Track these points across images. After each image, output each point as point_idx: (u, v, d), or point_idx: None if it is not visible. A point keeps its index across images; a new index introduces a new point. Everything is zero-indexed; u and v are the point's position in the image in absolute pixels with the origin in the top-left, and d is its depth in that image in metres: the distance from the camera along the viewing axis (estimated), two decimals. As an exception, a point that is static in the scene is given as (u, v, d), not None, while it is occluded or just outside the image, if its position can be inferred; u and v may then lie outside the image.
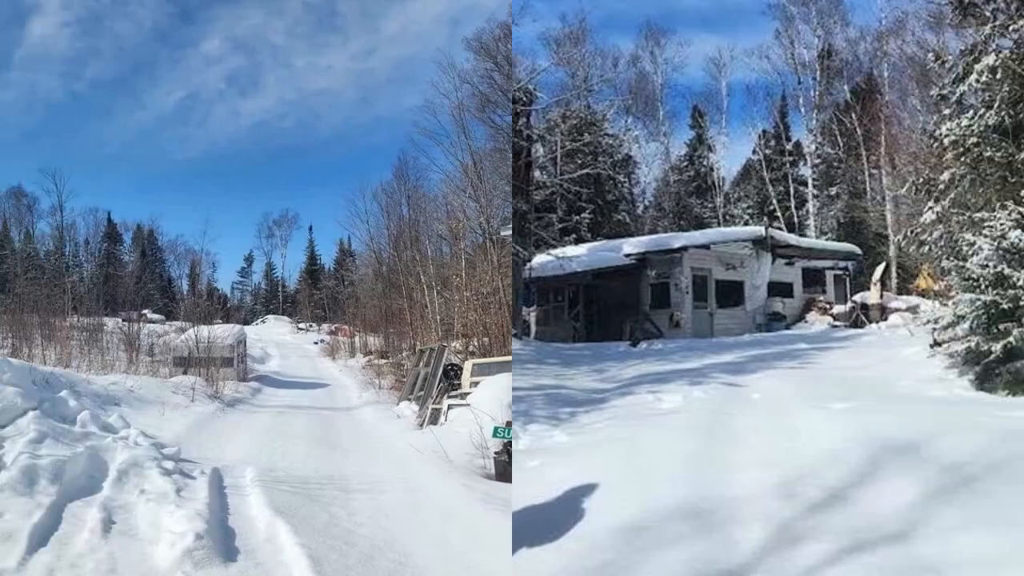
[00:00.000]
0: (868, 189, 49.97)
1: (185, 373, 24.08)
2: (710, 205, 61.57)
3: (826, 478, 8.98)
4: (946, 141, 19.81)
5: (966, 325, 15.56)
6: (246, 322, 60.27)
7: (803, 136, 57.25)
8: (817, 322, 34.05)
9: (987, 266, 14.95)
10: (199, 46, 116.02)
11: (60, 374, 18.31)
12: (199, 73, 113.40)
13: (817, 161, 55.53)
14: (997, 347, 14.56)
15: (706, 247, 33.79)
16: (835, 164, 55.04)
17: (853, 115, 50.65)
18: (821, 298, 36.94)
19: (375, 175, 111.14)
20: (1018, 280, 14.45)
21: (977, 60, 19.15)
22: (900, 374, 17.23)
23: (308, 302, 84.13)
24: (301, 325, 74.28)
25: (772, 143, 59.38)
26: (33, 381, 15.07)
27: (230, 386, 23.58)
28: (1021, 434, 10.63)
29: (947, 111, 21.22)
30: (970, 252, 15.62)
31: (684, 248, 32.80)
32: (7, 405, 12.89)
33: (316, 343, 55.42)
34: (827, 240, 47.35)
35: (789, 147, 58.69)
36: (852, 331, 29.90)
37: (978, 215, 17.63)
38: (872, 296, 33.41)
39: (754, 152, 60.70)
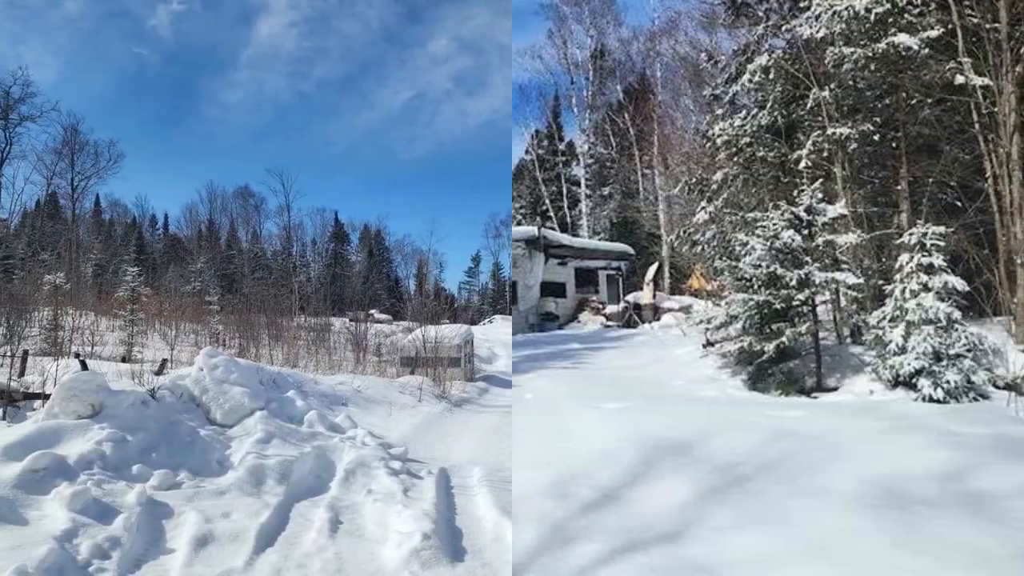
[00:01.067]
0: (641, 189, 51.51)
1: (412, 373, 23.24)
2: (484, 204, 61.94)
3: (599, 478, 8.99)
4: (719, 141, 20.42)
5: (739, 325, 15.97)
6: (473, 322, 57.46)
7: (576, 136, 58.35)
8: (590, 322, 34.62)
9: (760, 266, 15.32)
10: (426, 46, 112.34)
11: (287, 374, 18.08)
12: (426, 73, 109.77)
13: (590, 161, 56.69)
14: (770, 347, 14.98)
15: (480, 247, 33.71)
16: (608, 164, 56.37)
17: (626, 115, 52.08)
18: (594, 298, 37.60)
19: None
20: (790, 280, 14.87)
21: (750, 60, 19.81)
22: (673, 374, 17.57)
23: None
24: (528, 325, 71.41)
25: (545, 143, 60.27)
26: (260, 381, 15.12)
27: (457, 386, 22.71)
28: (793, 434, 10.91)
29: (720, 111, 21.92)
30: (743, 252, 15.97)
31: (457, 247, 32.66)
32: (235, 405, 13.08)
33: (543, 343, 53.40)
34: (600, 240, 48.29)
35: (562, 147, 59.73)
36: (625, 331, 30.56)
37: (751, 215, 18.17)
38: (645, 296, 34.25)
39: (527, 152, 61.45)
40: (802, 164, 17.80)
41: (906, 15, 16.18)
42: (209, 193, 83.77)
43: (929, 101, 16.88)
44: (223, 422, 12.62)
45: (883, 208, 18.23)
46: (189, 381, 13.38)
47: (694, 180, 23.22)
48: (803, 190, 16.08)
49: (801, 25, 17.92)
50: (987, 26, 15.92)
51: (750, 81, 19.41)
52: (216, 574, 7.07)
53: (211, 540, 7.81)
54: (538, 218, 51.77)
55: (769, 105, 19.54)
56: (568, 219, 56.44)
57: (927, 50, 16.02)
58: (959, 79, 15.80)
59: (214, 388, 13.19)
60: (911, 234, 14.23)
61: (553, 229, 44.96)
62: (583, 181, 56.41)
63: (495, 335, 54.57)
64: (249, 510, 8.71)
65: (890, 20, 16.18)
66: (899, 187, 17.43)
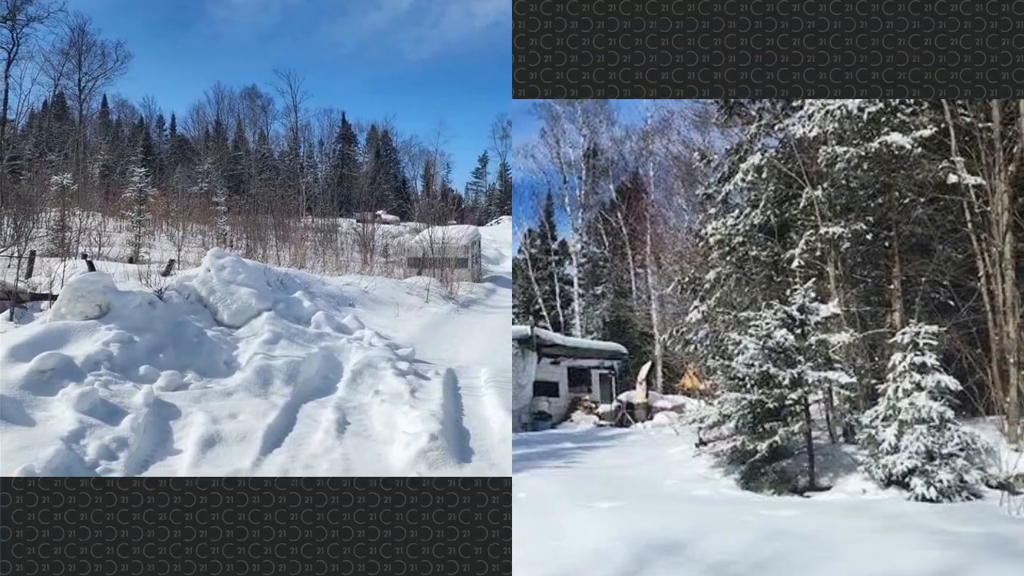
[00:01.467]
0: (634, 288, 51.71)
1: (419, 274, 23.59)
2: (476, 304, 61.92)
3: (592, 578, 8.81)
4: (712, 240, 20.60)
5: (732, 424, 15.90)
6: (480, 223, 57.72)
7: (569, 235, 58.70)
8: (583, 421, 34.47)
9: (752, 365, 15.33)
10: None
11: (294, 275, 18.30)
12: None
13: (583, 260, 57.04)
14: (763, 446, 14.89)
15: (472, 347, 33.68)
16: (601, 263, 56.75)
17: (619, 214, 52.62)
18: (587, 397, 37.48)
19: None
20: (783, 379, 14.89)
21: (743, 159, 20.08)
22: (666, 473, 17.41)
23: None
24: (535, 225, 70.86)
25: (538, 242, 60.69)
26: (267, 282, 15.20)
27: (464, 287, 22.91)
28: (786, 533, 10.80)
29: (713, 210, 22.13)
30: (736, 351, 15.98)
31: (450, 347, 32.61)
32: (242, 306, 13.34)
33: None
34: (593, 339, 48.35)
35: (555, 246, 60.18)
36: (618, 430, 30.36)
37: (744, 314, 18.22)
38: (638, 395, 34.18)
39: (520, 251, 61.80)
40: (795, 263, 17.95)
41: (899, 114, 16.47)
42: (216, 94, 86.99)
43: (922, 200, 17.11)
44: (230, 323, 12.85)
45: (876, 307, 18.34)
46: (196, 282, 13.61)
47: (687, 279, 23.41)
48: (796, 289, 16.18)
49: (794, 124, 18.22)
50: (980, 125, 16.18)
51: (743, 180, 19.63)
52: (224, 475, 7.14)
53: (218, 441, 8.04)
54: (531, 317, 51.88)
55: (762, 204, 19.76)
56: (561, 318, 56.56)
57: (920, 149, 16.26)
58: (952, 178, 16.01)
59: (221, 289, 13.37)
60: (904, 333, 14.28)
61: (546, 328, 45.02)
62: (576, 280, 56.62)
63: (503, 236, 54.45)
64: (256, 411, 8.97)
65: (883, 119, 16.46)
66: (892, 286, 17.56)
